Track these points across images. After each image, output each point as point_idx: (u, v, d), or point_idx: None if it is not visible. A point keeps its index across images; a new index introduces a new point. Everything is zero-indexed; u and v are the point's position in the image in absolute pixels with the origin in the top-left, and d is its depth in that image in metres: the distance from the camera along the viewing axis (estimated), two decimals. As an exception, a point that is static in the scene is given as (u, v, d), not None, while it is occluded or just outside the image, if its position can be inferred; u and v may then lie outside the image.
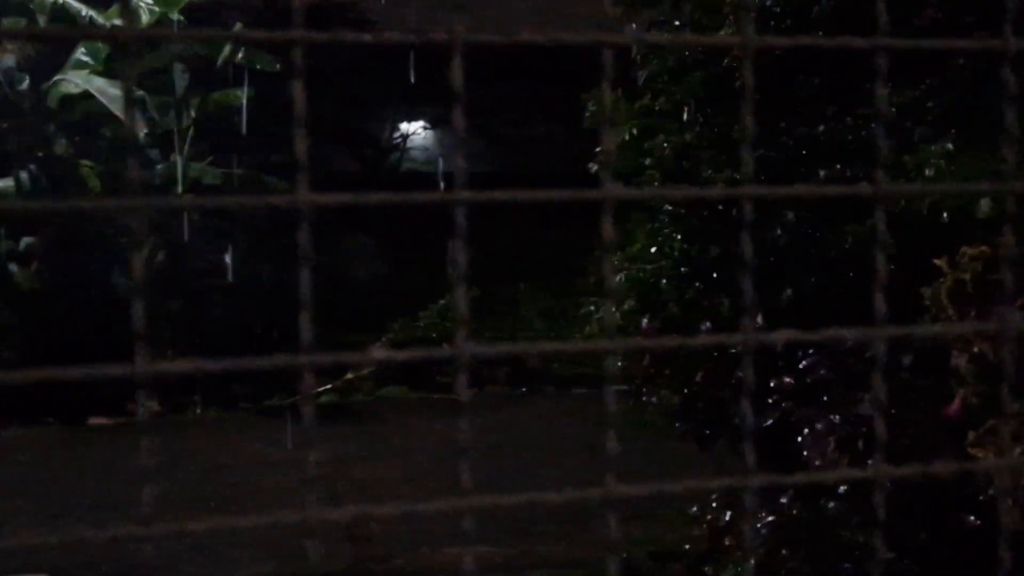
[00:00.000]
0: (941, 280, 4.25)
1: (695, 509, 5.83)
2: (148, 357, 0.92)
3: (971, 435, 4.09)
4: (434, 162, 19.34)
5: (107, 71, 12.29)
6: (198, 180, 13.21)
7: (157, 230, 12.83)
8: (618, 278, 6.83)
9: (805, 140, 6.63)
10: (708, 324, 5.58)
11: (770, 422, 4.71)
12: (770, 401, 4.79)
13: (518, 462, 9.24)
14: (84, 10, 12.40)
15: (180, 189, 12.92)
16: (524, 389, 12.48)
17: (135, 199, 0.94)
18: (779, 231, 6.22)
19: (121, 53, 0.95)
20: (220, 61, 13.44)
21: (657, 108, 6.91)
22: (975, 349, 3.98)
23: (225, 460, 9.59)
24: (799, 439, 4.48)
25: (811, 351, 4.79)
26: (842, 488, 4.36)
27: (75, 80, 12.49)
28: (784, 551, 4.53)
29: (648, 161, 6.76)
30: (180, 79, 13.50)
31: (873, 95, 1.14)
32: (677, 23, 6.89)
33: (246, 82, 13.42)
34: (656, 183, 6.60)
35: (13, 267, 12.38)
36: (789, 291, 6.14)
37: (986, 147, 5.40)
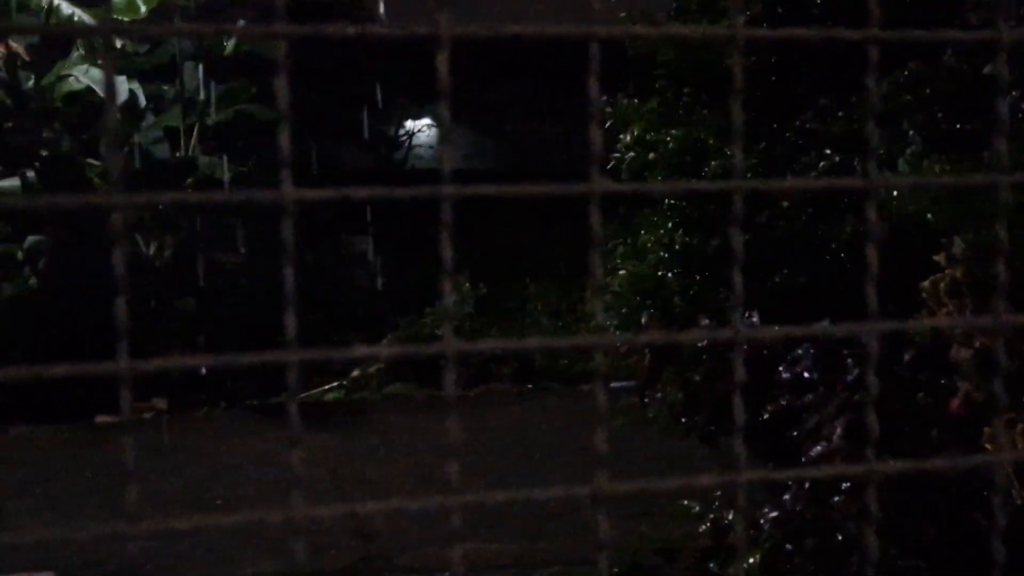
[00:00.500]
0: (938, 275, 4.24)
1: (697, 509, 5.82)
2: (128, 353, 0.91)
3: (986, 431, 4.07)
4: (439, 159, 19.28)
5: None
6: (211, 175, 13.04)
7: (166, 226, 12.82)
8: (622, 273, 6.83)
9: (808, 132, 6.62)
10: (706, 320, 5.56)
11: (767, 417, 4.70)
12: (772, 394, 4.77)
13: (529, 461, 9.23)
14: (76, 13, 12.32)
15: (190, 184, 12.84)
16: (530, 386, 12.46)
17: (118, 195, 0.94)
18: (780, 222, 6.22)
19: (105, 48, 0.94)
20: (227, 51, 13.37)
21: (659, 104, 6.91)
22: (977, 344, 3.96)
23: (233, 459, 9.59)
24: (795, 433, 4.47)
25: (806, 344, 4.77)
26: (845, 484, 4.35)
27: (75, 75, 12.48)
28: (789, 546, 4.52)
29: (652, 156, 6.76)
30: (191, 72, 13.45)
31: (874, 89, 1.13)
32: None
33: (256, 74, 13.25)
34: (661, 177, 6.60)
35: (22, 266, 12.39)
36: (791, 279, 6.13)
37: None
